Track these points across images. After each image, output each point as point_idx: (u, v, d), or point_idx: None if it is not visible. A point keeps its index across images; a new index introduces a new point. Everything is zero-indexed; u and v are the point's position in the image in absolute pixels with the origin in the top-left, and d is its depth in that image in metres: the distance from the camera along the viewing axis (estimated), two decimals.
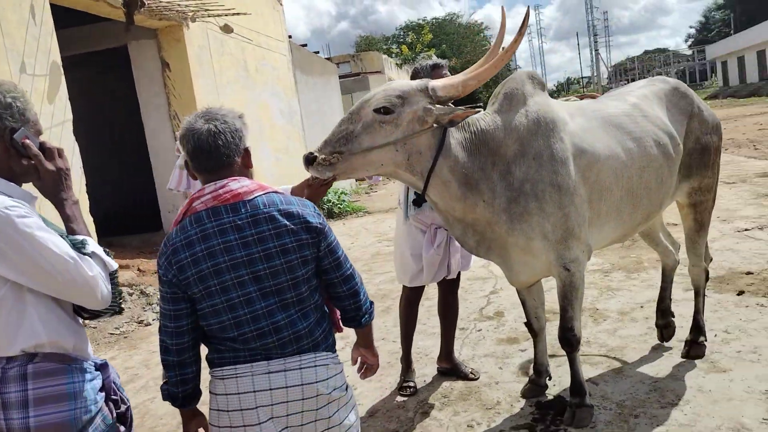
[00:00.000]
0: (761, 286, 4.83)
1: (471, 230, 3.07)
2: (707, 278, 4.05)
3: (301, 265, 1.94)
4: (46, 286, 1.69)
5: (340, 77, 17.99)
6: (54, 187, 1.82)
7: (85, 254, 1.74)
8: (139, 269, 7.32)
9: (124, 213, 10.78)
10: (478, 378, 3.93)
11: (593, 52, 78.83)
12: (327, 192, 2.88)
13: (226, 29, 9.69)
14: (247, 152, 2.02)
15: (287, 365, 1.92)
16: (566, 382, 3.52)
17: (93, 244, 1.79)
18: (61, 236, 1.73)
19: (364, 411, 3.72)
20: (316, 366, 1.96)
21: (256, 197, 1.93)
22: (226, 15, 9.34)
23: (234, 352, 1.93)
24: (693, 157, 3.67)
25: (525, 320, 3.63)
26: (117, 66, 9.94)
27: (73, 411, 1.71)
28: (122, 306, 2.29)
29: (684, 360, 3.79)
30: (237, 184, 1.92)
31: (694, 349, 3.82)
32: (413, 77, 3.49)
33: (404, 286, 3.94)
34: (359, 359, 2.29)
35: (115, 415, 1.85)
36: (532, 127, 3.00)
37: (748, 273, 5.19)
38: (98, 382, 1.82)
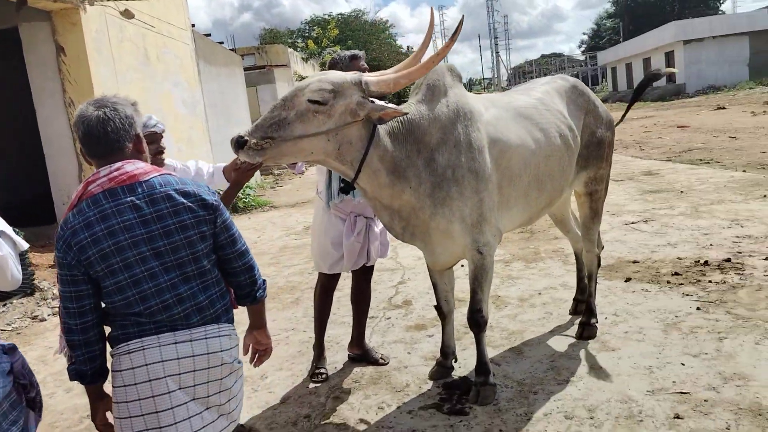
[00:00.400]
0: (646, 274, 5.24)
1: (397, 216, 3.18)
2: (599, 264, 4.37)
3: (200, 241, 2.04)
4: None
5: (245, 69, 17.67)
6: None
7: None
8: (32, 263, 6.92)
9: (15, 205, 10.16)
10: (387, 363, 4.04)
11: (494, 55, 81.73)
12: (253, 175, 2.90)
13: (127, 14, 9.30)
14: (138, 138, 2.09)
15: (193, 335, 2.01)
16: (471, 364, 3.71)
17: (2, 224, 1.73)
18: None
19: (275, 399, 3.74)
20: (220, 336, 2.07)
21: (151, 178, 2.01)
22: (126, 0, 8.97)
23: (139, 326, 1.98)
24: (590, 150, 3.95)
25: (435, 304, 3.77)
26: (6, 49, 9.32)
27: None
28: (34, 286, 2.23)
29: (578, 340, 4.07)
30: (132, 166, 1.99)
31: (587, 330, 4.11)
32: (331, 67, 3.54)
33: (320, 275, 3.99)
34: (251, 346, 2.36)
35: (24, 399, 1.80)
36: (452, 116, 3.16)
37: (635, 262, 5.61)
38: (6, 366, 1.76)
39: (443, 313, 3.74)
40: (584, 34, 77.24)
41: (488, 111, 3.40)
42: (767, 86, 31.15)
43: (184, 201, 2.00)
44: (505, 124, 3.41)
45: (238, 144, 2.64)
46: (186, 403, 1.98)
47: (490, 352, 3.97)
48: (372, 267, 4.07)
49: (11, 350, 1.81)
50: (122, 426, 1.98)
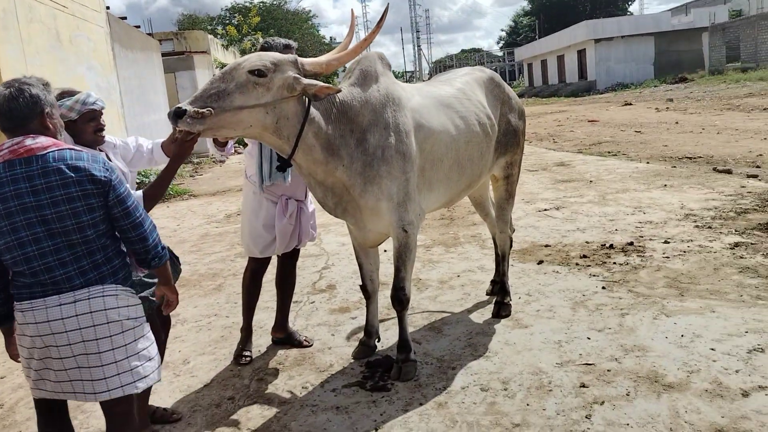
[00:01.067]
0: (557, 257, 5.53)
1: (330, 193, 3.30)
2: (511, 245, 4.62)
3: (86, 212, 2.22)
4: None
5: (163, 55, 17.17)
6: None
7: None
8: None
9: None
10: (311, 345, 4.11)
11: (416, 48, 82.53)
12: (193, 148, 2.90)
13: None
14: (43, 115, 2.26)
15: (77, 297, 2.23)
16: (393, 343, 3.83)
17: None
18: None
19: (198, 383, 3.74)
20: (104, 296, 2.27)
21: (48, 152, 2.20)
22: None
23: (29, 288, 2.23)
24: (507, 137, 4.18)
25: (360, 284, 3.87)
26: None
27: None
28: None
29: (494, 319, 4.27)
30: (32, 141, 2.20)
31: (503, 308, 4.34)
32: (262, 50, 3.57)
33: (250, 260, 4.00)
34: (163, 297, 2.62)
35: None
36: (383, 100, 3.30)
37: (546, 246, 5.91)
38: None
39: (368, 292, 3.85)
40: (502, 30, 79.25)
41: (414, 99, 3.55)
42: (670, 84, 33.01)
43: (73, 175, 2.19)
44: (429, 112, 3.56)
45: (177, 114, 2.66)
46: (73, 356, 2.23)
47: (412, 332, 4.11)
48: (298, 251, 4.12)
49: None
50: (22, 361, 2.35)
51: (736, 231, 5.73)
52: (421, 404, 3.25)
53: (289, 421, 3.20)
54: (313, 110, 3.04)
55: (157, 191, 2.82)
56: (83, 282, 2.24)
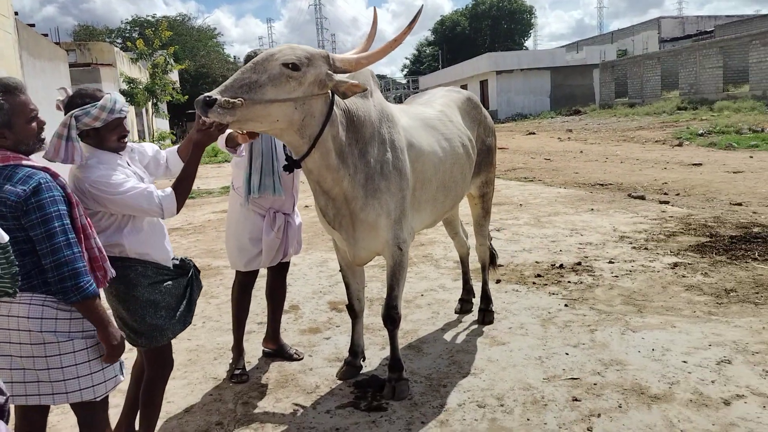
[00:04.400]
0: (512, 276, 5.69)
1: (332, 204, 3.24)
2: (491, 255, 4.77)
3: (14, 230, 2.15)
4: None
5: (71, 66, 16.26)
6: None
7: None
8: None
9: None
10: (302, 358, 4.09)
11: None
12: (217, 138, 2.78)
13: None
14: None
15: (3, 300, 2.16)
16: (374, 363, 3.79)
17: None
18: None
19: (176, 408, 3.53)
20: (30, 304, 2.22)
21: None
22: None
23: None
24: (482, 157, 4.27)
25: (347, 303, 3.81)
26: None
27: None
28: (17, 288, 1.98)
29: (469, 336, 4.32)
30: None
31: (488, 315, 4.52)
32: (247, 61, 3.47)
33: (237, 273, 3.88)
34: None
35: None
36: (379, 116, 3.29)
37: (499, 265, 6.05)
38: None
39: (355, 311, 3.80)
40: (406, 58, 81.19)
41: (402, 118, 3.56)
42: (566, 116, 35.06)
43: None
44: (418, 132, 3.59)
45: (207, 104, 2.53)
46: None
47: (388, 352, 4.08)
48: (288, 263, 4.06)
49: None
50: None
51: (671, 252, 6.13)
52: (423, 423, 3.22)
53: None
54: (334, 112, 2.98)
55: (185, 184, 2.67)
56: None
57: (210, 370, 4.02)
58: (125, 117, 2.66)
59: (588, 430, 3.08)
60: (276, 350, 4.10)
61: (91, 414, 2.41)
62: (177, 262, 2.86)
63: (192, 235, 8.49)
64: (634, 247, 6.41)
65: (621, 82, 36.60)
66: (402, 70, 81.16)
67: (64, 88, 2.57)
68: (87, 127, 2.50)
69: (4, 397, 1.64)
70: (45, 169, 2.34)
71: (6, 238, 1.88)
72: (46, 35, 14.76)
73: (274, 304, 4.09)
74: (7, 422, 1.66)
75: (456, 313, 4.80)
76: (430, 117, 3.82)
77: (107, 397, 2.45)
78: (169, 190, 2.60)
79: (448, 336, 4.38)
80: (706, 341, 4.02)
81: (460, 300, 4.87)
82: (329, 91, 2.91)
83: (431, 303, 5.07)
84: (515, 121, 37.50)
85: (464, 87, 46.06)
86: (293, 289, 5.64)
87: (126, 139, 2.69)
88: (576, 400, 3.37)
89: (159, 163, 2.96)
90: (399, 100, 64.17)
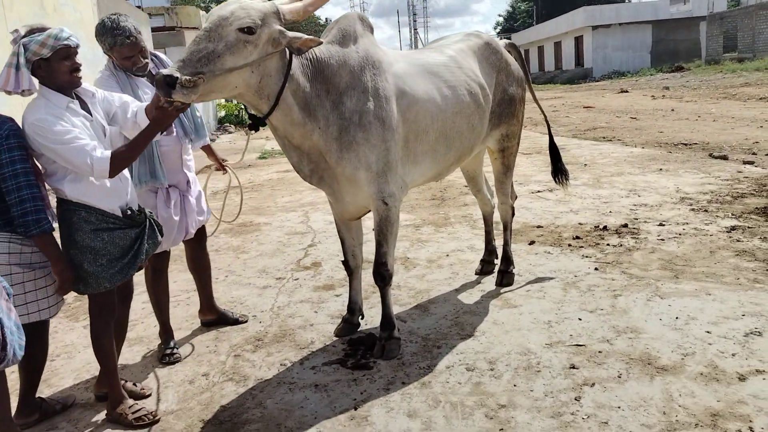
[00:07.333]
0: (549, 237, 5.39)
1: (306, 159, 3.12)
2: (513, 214, 4.53)
3: None
4: None
5: (153, 30, 16.80)
6: None
7: None
8: None
9: None
10: (247, 321, 3.98)
11: (412, 32, 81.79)
12: (177, 116, 2.74)
13: None
14: None
15: None
16: (377, 321, 3.68)
17: None
18: None
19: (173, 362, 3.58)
20: None
21: None
22: None
23: None
24: (502, 107, 3.99)
25: (342, 259, 3.71)
26: None
27: None
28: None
29: (482, 298, 4.13)
30: None
31: (506, 277, 4.28)
32: None
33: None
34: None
35: None
36: (362, 63, 3.11)
37: (539, 227, 5.76)
38: None
39: (350, 268, 3.70)
40: (500, 15, 78.62)
41: (397, 64, 3.35)
42: (667, 73, 32.85)
43: None
44: (414, 79, 3.37)
45: (170, 83, 2.44)
46: None
47: (397, 310, 3.97)
48: (204, 232, 3.86)
49: None
50: None
51: (732, 215, 5.59)
52: (403, 383, 3.10)
53: (265, 399, 3.05)
54: (293, 66, 2.85)
55: (127, 153, 2.64)
56: None
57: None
58: (76, 48, 2.63)
59: (576, 399, 2.85)
60: (216, 319, 3.97)
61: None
62: (130, 213, 2.83)
63: (248, 193, 8.63)
64: (692, 209, 5.90)
65: (730, 36, 33.70)
66: (495, 28, 78.71)
67: (17, 29, 2.57)
68: (36, 56, 2.51)
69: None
70: (10, 119, 2.56)
71: None
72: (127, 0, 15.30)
73: (199, 276, 3.92)
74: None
75: (476, 274, 4.59)
76: (433, 63, 3.58)
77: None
78: (108, 153, 2.58)
79: (460, 297, 4.20)
80: (741, 311, 3.62)
81: (481, 261, 4.65)
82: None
83: (453, 263, 4.88)
84: (611, 79, 35.54)
85: (558, 44, 44.31)
86: (320, 247, 5.62)
87: (79, 74, 2.67)
88: (573, 367, 3.13)
89: (126, 115, 2.91)
90: None
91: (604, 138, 12.07)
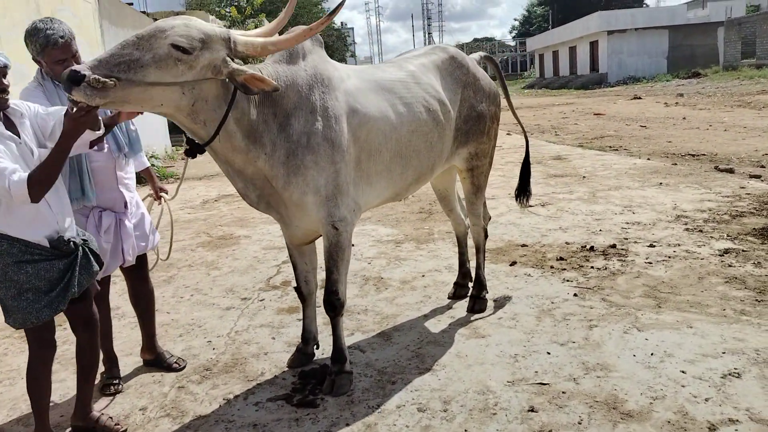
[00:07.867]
0: (532, 258, 5.14)
1: (251, 185, 2.93)
2: (486, 236, 4.29)
3: None
4: None
5: None
6: None
7: None
8: None
9: None
10: (184, 368, 3.58)
11: (426, 36, 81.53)
12: (93, 125, 2.50)
13: None
14: None
15: None
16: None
17: None
18: None
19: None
20: None
21: None
22: None
23: None
24: (469, 124, 3.76)
25: (294, 285, 3.51)
26: None
27: None
28: None
29: (450, 326, 3.90)
30: None
31: (478, 303, 4.07)
32: None
33: None
34: None
35: None
36: (310, 81, 2.92)
37: (523, 245, 5.51)
38: None
39: (303, 295, 3.50)
40: (515, 20, 78.00)
41: (349, 80, 3.14)
42: (683, 79, 32.33)
43: None
44: (366, 96, 3.16)
45: (74, 79, 2.21)
46: None
47: (359, 338, 3.77)
48: (145, 260, 3.52)
49: None
50: None
51: (728, 236, 5.31)
52: (347, 425, 2.89)
53: None
54: (237, 93, 2.63)
55: (44, 172, 2.42)
56: None
57: (170, 346, 3.87)
58: (4, 68, 2.45)
59: None
60: (153, 360, 3.61)
61: None
62: (57, 242, 2.61)
63: (236, 203, 8.46)
64: (687, 229, 5.62)
65: (749, 41, 33.11)
66: (510, 32, 78.22)
67: None
68: None
69: None
70: None
71: None
72: (131, 4, 15.24)
73: (140, 310, 3.58)
74: None
75: (449, 298, 4.36)
76: (387, 78, 3.36)
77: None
78: (26, 175, 2.37)
79: (427, 324, 3.97)
80: (722, 347, 3.36)
81: (454, 284, 4.42)
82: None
83: (428, 285, 4.66)
84: (626, 85, 35.05)
85: (573, 49, 43.82)
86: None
87: (6, 95, 2.49)
88: (533, 410, 2.90)
89: (47, 123, 2.68)
90: (504, 64, 62.06)
91: (610, 147, 11.77)
